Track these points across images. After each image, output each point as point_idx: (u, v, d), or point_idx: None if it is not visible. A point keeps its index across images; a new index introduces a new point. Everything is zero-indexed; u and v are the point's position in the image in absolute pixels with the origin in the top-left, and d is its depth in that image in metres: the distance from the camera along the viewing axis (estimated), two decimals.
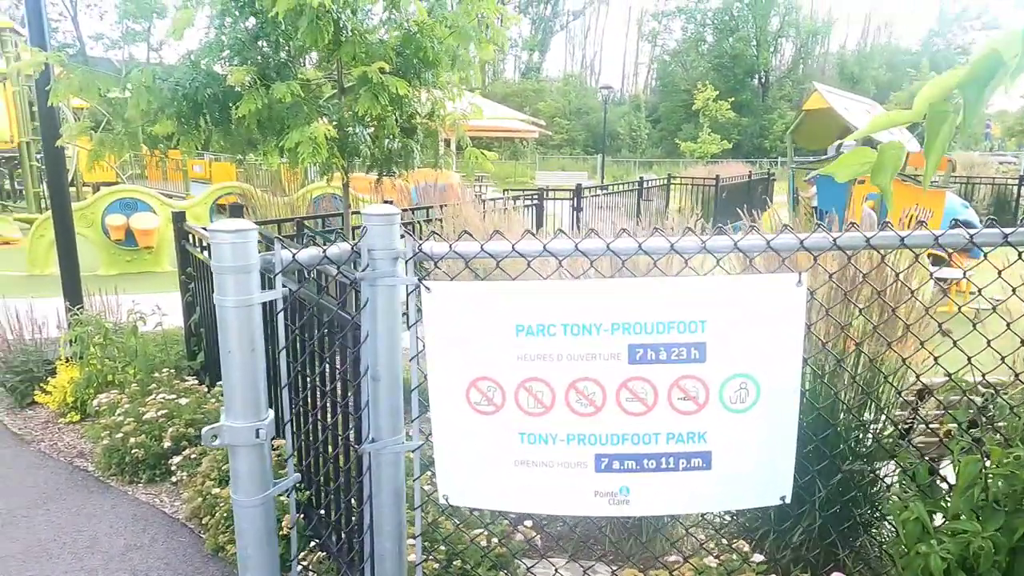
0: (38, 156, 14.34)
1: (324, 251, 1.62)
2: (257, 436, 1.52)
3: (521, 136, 30.60)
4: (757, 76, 52.90)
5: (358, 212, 7.32)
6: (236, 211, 3.53)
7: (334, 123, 4.01)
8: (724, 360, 1.70)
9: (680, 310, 1.69)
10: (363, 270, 1.70)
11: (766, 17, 52.04)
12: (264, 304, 1.55)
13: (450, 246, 1.73)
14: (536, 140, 36.63)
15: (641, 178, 12.88)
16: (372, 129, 4.51)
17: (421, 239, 1.78)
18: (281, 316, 1.58)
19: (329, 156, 3.72)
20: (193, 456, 3.29)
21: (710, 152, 30.10)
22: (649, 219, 12.69)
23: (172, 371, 4.11)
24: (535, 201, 9.22)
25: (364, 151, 4.13)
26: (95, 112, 4.68)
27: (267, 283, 1.62)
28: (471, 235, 1.76)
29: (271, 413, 1.57)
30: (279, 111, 3.83)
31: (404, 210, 7.03)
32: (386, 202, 6.68)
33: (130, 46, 42.20)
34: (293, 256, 1.56)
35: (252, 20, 4.13)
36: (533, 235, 1.76)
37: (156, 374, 4.05)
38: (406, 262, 1.74)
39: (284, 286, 1.56)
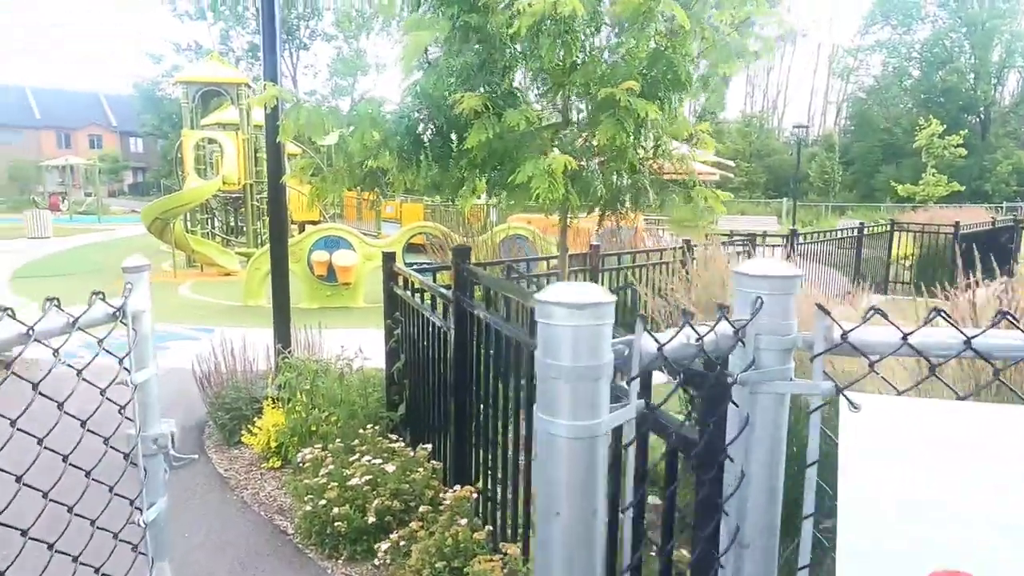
0: (258, 197, 15.89)
1: (700, 340, 0.96)
2: None
3: (701, 179, 29.25)
4: (975, 112, 46.73)
5: (552, 257, 6.83)
6: (462, 253, 3.02)
7: (566, 155, 3.49)
8: None
9: None
10: (747, 368, 1.02)
11: (987, 47, 46.01)
12: None
13: (904, 336, 0.99)
14: (715, 183, 35.01)
15: (861, 224, 11.27)
16: (598, 162, 3.95)
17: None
18: (633, 450, 0.93)
19: (565, 192, 3.19)
20: (402, 543, 2.80)
21: (935, 195, 26.63)
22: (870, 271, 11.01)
23: (375, 427, 3.74)
24: (746, 248, 8.21)
25: (599, 188, 3.55)
26: (306, 157, 4.59)
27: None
28: (891, 326, 1.01)
29: None
30: (509, 142, 3.38)
31: (602, 254, 6.40)
32: (593, 246, 6.10)
33: (337, 100, 47.21)
34: (660, 347, 0.91)
35: (477, 47, 3.78)
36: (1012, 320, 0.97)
37: (361, 430, 3.70)
38: (813, 358, 1.04)
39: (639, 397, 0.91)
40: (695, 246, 7.67)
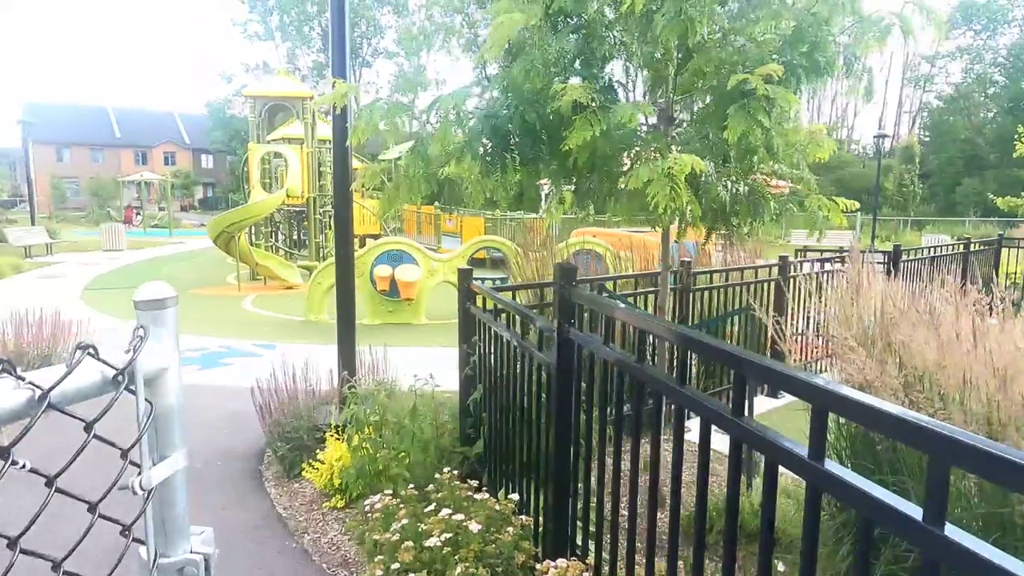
0: (321, 210, 15.87)
1: None
2: None
3: (776, 191, 28.05)
4: None
5: (646, 275, 6.23)
6: (568, 274, 2.43)
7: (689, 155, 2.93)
8: None
9: None
10: None
11: None
12: None
13: None
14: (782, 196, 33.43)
15: (968, 239, 10.24)
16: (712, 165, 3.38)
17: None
18: None
19: (687, 201, 2.63)
20: None
21: None
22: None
23: (452, 472, 3.25)
24: (839, 264, 7.42)
25: (722, 195, 2.99)
26: (373, 170, 4.18)
27: None
28: None
29: None
30: (617, 140, 2.86)
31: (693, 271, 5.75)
32: (684, 263, 5.48)
33: (399, 117, 47.72)
34: None
35: (572, 35, 3.29)
36: None
37: (437, 474, 3.21)
38: None
39: None
40: (791, 263, 6.98)
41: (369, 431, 3.54)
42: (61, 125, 52.58)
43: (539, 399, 2.85)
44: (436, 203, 22.80)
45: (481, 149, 3.22)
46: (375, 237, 23.54)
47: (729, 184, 3.41)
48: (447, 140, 2.99)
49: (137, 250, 21.56)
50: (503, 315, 3.36)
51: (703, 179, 2.96)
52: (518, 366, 3.08)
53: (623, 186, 2.79)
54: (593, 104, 2.81)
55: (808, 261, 7.89)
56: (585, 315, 2.55)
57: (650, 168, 2.70)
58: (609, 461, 2.36)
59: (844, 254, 7.52)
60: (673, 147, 3.31)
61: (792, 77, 2.99)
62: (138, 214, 34.33)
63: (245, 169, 16.27)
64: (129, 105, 60.64)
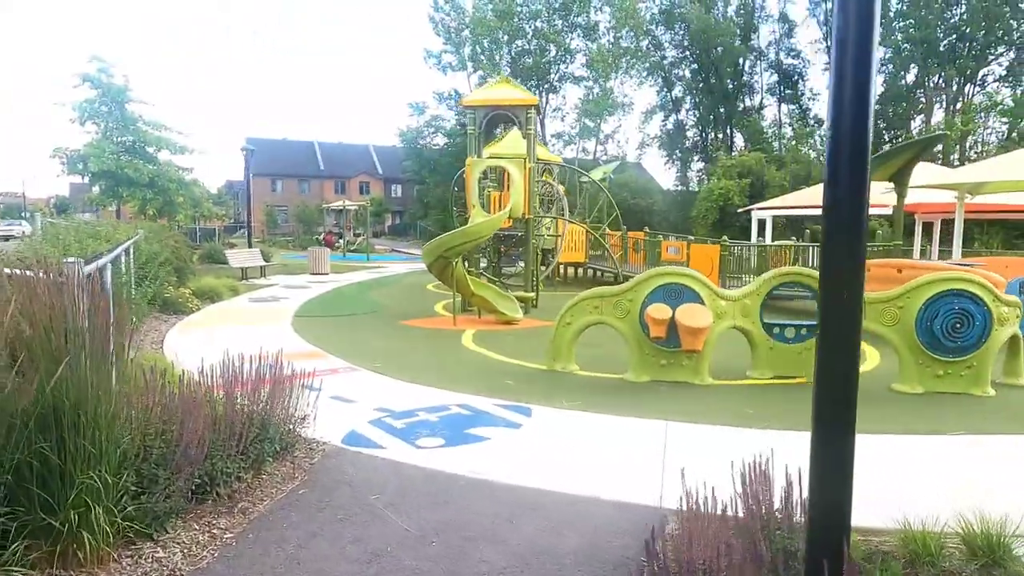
0: (536, 235, 13.96)
1: None
2: None
3: None
4: None
5: None
6: None
7: None
8: None
9: None
10: None
11: None
12: None
13: None
14: None
15: None
16: None
17: None
18: None
19: None
20: None
21: None
22: None
23: None
24: None
25: None
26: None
27: None
28: None
29: None
30: None
31: None
32: None
33: (583, 140, 46.33)
34: None
35: None
36: None
37: None
38: None
39: None
40: None
41: None
42: (275, 159, 57.70)
43: None
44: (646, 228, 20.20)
45: None
46: (577, 265, 21.31)
47: None
48: None
49: (340, 274, 21.31)
50: None
51: None
52: None
53: None
54: None
55: None
56: None
57: None
58: None
59: None
60: None
61: None
62: (339, 238, 35.54)
63: (457, 189, 14.83)
64: (331, 139, 65.51)
